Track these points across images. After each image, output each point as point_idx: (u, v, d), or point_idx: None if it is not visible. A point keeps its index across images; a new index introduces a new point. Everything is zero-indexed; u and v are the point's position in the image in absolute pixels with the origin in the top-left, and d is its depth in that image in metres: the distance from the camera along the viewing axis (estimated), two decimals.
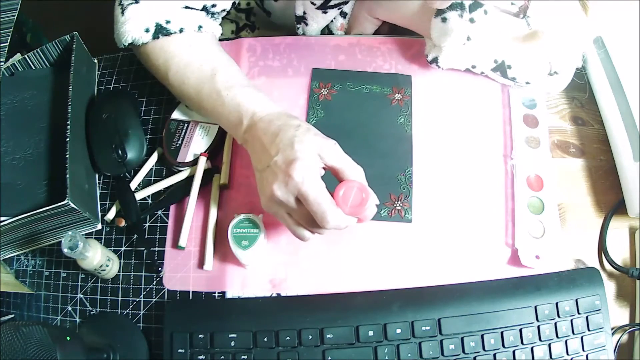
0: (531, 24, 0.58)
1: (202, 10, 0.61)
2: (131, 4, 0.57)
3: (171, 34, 0.58)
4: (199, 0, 0.60)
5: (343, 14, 0.71)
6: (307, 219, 0.49)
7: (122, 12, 0.57)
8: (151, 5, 0.57)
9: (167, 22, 0.57)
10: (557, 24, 0.57)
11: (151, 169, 0.65)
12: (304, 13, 0.69)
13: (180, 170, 0.63)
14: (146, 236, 0.61)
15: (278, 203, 0.49)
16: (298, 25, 0.71)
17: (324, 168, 0.50)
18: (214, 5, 0.62)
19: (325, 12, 0.69)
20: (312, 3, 0.67)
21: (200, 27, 0.60)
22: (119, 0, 0.58)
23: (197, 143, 0.63)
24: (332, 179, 0.50)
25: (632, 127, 0.59)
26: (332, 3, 0.67)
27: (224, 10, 0.64)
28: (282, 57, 0.69)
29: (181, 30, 0.58)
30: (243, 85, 0.56)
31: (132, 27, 0.57)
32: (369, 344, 0.52)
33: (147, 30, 0.57)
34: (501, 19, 0.58)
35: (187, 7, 0.59)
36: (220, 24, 0.65)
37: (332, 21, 0.72)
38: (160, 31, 0.57)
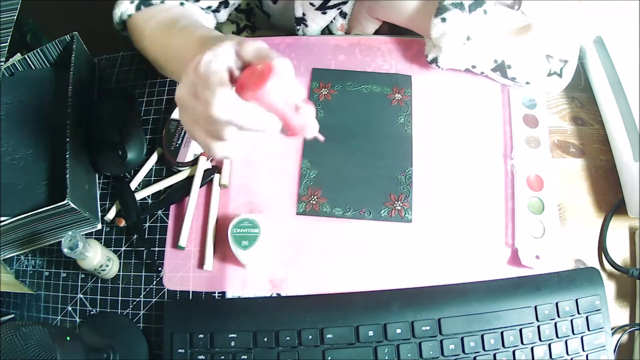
0: (526, 17, 0.58)
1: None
2: None
3: (152, 4, 0.59)
4: None
5: (343, 15, 0.71)
6: (206, 117, 0.39)
7: None
8: None
9: None
10: (550, 16, 0.57)
11: (151, 169, 0.65)
12: (303, 14, 0.69)
13: (180, 170, 0.63)
14: (146, 236, 0.61)
15: (184, 109, 0.41)
16: (298, 27, 0.71)
17: (244, 67, 0.41)
18: (196, 0, 0.63)
19: (324, 13, 0.69)
20: (311, 4, 0.67)
21: (182, 3, 0.61)
22: None
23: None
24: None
25: (632, 127, 0.59)
26: (331, 3, 0.67)
27: (210, 7, 0.65)
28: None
29: (162, 2, 0.60)
30: (206, 28, 0.54)
31: (123, 1, 0.59)
32: (369, 344, 0.52)
33: (132, 2, 0.59)
34: (501, 19, 0.58)
35: None
36: (213, 24, 0.65)
37: (332, 22, 0.72)
38: (143, 2, 0.59)
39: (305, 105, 0.40)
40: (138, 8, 0.59)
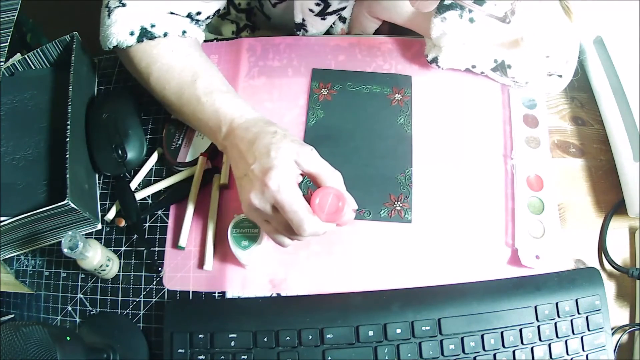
0: (518, 27, 0.58)
1: (186, 17, 0.61)
2: (118, 7, 0.57)
3: (155, 37, 0.58)
4: (184, 7, 0.60)
5: (342, 19, 0.71)
6: (285, 226, 0.49)
7: (109, 15, 0.57)
8: (137, 9, 0.57)
9: (152, 25, 0.57)
10: (540, 29, 0.57)
11: (151, 169, 0.65)
12: (303, 20, 0.69)
13: (180, 170, 0.63)
14: (146, 236, 0.61)
15: (256, 211, 0.50)
16: (298, 32, 0.71)
17: (301, 174, 0.51)
18: (199, 13, 0.62)
19: (323, 19, 0.69)
20: (311, 10, 0.67)
21: (184, 32, 0.60)
22: (106, 2, 0.58)
23: (197, 143, 0.63)
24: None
25: (632, 127, 0.59)
26: (330, 10, 0.67)
27: (208, 17, 0.64)
28: (282, 57, 0.69)
29: (165, 35, 0.58)
30: (222, 91, 0.56)
31: (118, 29, 0.57)
32: (369, 344, 0.52)
33: (131, 34, 0.57)
34: (492, 29, 0.58)
35: (172, 13, 0.60)
36: (204, 30, 0.66)
37: (332, 26, 0.72)
38: (145, 34, 0.57)
39: (352, 213, 0.52)
40: (140, 40, 0.57)
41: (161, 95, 0.59)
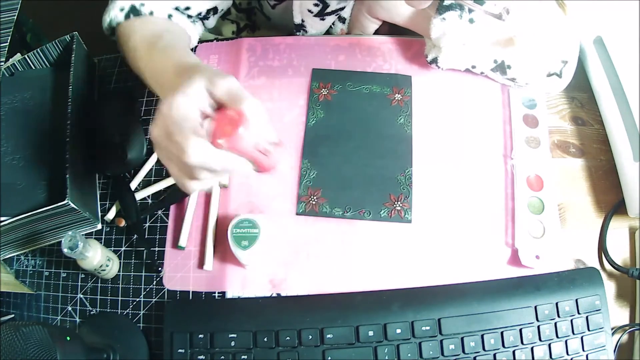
0: (515, 26, 0.58)
1: (174, 9, 0.62)
2: None
3: (141, 14, 0.59)
4: (171, 0, 0.61)
5: (342, 20, 0.71)
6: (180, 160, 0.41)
7: None
8: None
9: (141, 5, 0.59)
10: (534, 27, 0.57)
11: (151, 169, 0.65)
12: (302, 21, 0.69)
13: None
14: (146, 236, 0.61)
15: (158, 147, 0.43)
16: (297, 33, 0.71)
17: (217, 107, 0.43)
18: (187, 8, 0.63)
19: (322, 19, 0.69)
20: (309, 11, 0.67)
21: (170, 15, 0.61)
22: None
23: None
24: None
25: (632, 127, 0.59)
26: (328, 10, 0.67)
27: (199, 15, 0.65)
28: (282, 57, 0.69)
29: (151, 13, 0.60)
30: (177, 48, 0.54)
31: (113, 7, 0.59)
32: (369, 344, 0.52)
33: (122, 10, 0.59)
34: (489, 28, 0.58)
35: None
36: (199, 30, 0.66)
37: (331, 27, 0.72)
38: (132, 11, 0.59)
39: (275, 148, 0.42)
40: (127, 17, 0.59)
41: (136, 67, 0.57)
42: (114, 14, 0.59)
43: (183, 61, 0.49)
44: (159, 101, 0.45)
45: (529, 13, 0.57)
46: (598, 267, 0.58)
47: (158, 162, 0.65)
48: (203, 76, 0.42)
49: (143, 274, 0.60)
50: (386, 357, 0.52)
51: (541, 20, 0.58)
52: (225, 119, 0.40)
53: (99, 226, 0.62)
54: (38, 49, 0.67)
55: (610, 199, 0.61)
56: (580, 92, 0.67)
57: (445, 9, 0.58)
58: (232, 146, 0.40)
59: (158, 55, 0.53)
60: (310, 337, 0.53)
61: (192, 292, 0.58)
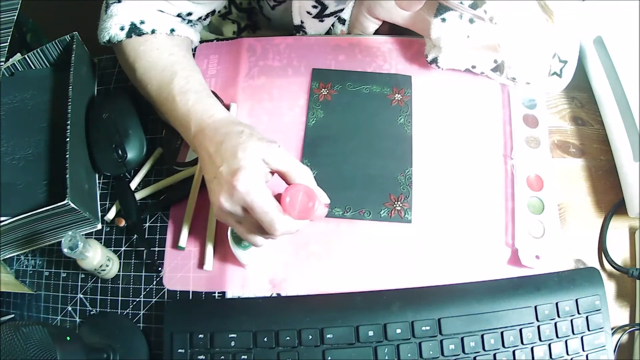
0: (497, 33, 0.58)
1: (177, 16, 0.62)
2: (114, 2, 0.58)
3: (143, 34, 0.59)
4: (175, 7, 0.61)
5: (341, 21, 0.71)
6: (257, 226, 0.48)
7: (106, 10, 0.59)
8: (131, 5, 0.58)
9: (142, 22, 0.58)
10: (520, 32, 0.58)
11: (151, 169, 0.65)
12: (302, 22, 0.69)
13: (180, 170, 0.63)
14: (146, 236, 0.61)
15: (227, 214, 0.49)
16: (297, 34, 0.71)
17: (271, 172, 0.50)
18: (189, 14, 0.62)
19: (322, 21, 0.69)
20: (308, 12, 0.67)
21: (172, 30, 0.61)
22: None
23: None
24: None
25: (632, 127, 0.59)
26: (327, 12, 0.67)
27: (201, 18, 0.65)
28: (282, 57, 0.69)
29: (153, 32, 0.59)
30: (196, 91, 0.55)
31: (111, 24, 0.58)
32: (369, 344, 0.52)
33: (122, 29, 0.58)
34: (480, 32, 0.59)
35: (161, 11, 0.60)
36: (202, 29, 0.67)
37: (331, 28, 0.72)
38: (134, 30, 0.58)
39: (324, 208, 0.51)
40: (129, 36, 0.59)
41: (144, 92, 0.60)
42: (114, 32, 0.58)
43: (212, 116, 0.53)
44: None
45: (512, 16, 0.57)
46: (598, 267, 0.58)
47: (158, 162, 0.65)
48: (255, 147, 0.48)
49: (143, 274, 0.60)
50: (386, 357, 0.52)
51: (534, 23, 0.58)
52: (296, 194, 0.48)
53: (99, 226, 0.62)
54: (38, 49, 0.67)
55: (610, 199, 0.61)
56: (580, 92, 0.67)
57: (445, 10, 0.58)
58: (306, 217, 0.49)
59: (176, 98, 0.55)
60: (310, 337, 0.53)
61: (192, 292, 0.58)
